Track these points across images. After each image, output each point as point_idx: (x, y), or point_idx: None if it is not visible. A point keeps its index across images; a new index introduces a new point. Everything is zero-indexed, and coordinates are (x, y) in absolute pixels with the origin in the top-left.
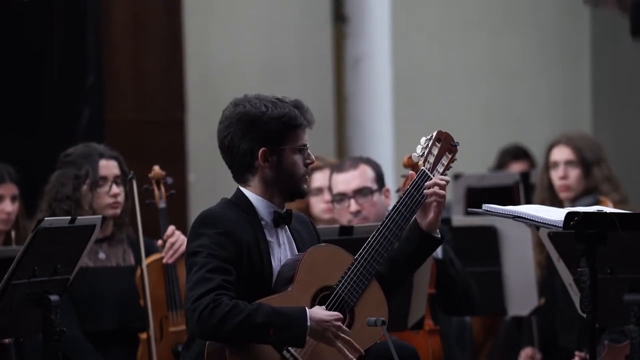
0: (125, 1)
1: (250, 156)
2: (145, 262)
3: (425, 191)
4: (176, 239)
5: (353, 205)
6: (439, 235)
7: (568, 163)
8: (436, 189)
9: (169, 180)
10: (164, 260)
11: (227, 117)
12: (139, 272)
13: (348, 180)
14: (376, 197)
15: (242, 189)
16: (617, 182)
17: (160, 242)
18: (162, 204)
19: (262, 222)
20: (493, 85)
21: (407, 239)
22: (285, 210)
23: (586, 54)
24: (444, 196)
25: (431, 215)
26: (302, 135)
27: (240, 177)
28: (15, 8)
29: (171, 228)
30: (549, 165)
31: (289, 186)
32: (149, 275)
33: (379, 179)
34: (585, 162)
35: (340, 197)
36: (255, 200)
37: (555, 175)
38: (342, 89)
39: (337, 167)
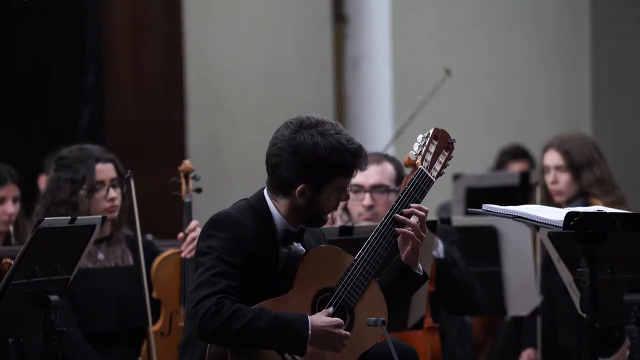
0: (125, 1)
1: (288, 185)
2: (143, 259)
3: (397, 229)
4: (197, 234)
5: (367, 199)
6: (421, 272)
7: (557, 168)
8: (409, 229)
9: (198, 176)
10: (183, 255)
11: (283, 140)
12: (154, 266)
13: (369, 174)
14: (392, 196)
15: (267, 197)
16: (611, 184)
17: (181, 235)
18: (187, 198)
19: (278, 233)
20: (493, 85)
21: (388, 271)
22: (299, 228)
23: (586, 54)
24: (422, 227)
25: (407, 247)
26: (348, 181)
27: (272, 190)
28: (15, 8)
29: (194, 223)
30: (543, 169)
31: (312, 216)
32: (165, 268)
33: (399, 179)
34: (574, 166)
35: (357, 189)
36: (275, 214)
37: (548, 179)
38: (342, 89)
39: None
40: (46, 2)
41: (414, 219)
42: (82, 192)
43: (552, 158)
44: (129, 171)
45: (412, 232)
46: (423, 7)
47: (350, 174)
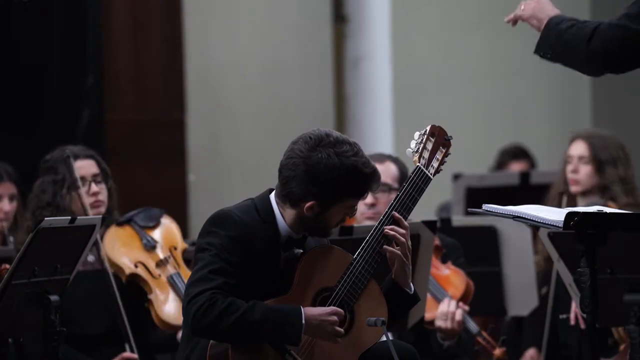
0: (125, 1)
1: (298, 199)
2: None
3: (386, 231)
4: None
5: (369, 197)
6: (411, 291)
7: (581, 158)
8: (395, 234)
9: None
10: None
11: (299, 156)
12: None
13: None
14: (394, 195)
15: (273, 201)
16: (632, 185)
17: None
18: None
19: (281, 237)
20: (493, 85)
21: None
22: (301, 235)
23: None
24: (404, 244)
25: (395, 265)
26: (358, 201)
27: (280, 198)
28: (15, 8)
29: None
30: (566, 159)
31: (317, 229)
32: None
33: (402, 179)
34: (598, 160)
35: None
36: (280, 219)
37: (569, 168)
38: (342, 89)
39: None
40: (46, 2)
41: (400, 236)
42: (63, 190)
43: (577, 148)
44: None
45: (398, 252)
46: (423, 7)
47: (361, 196)
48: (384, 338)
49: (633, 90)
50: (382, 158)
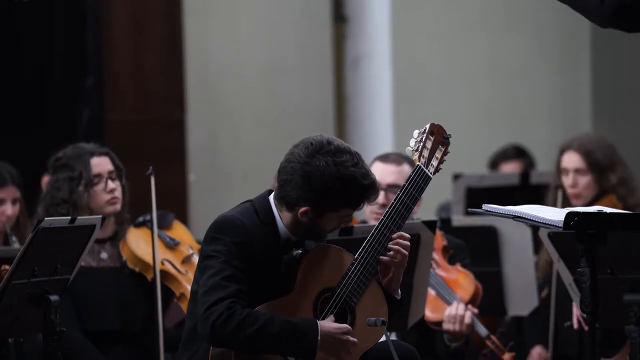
0: (125, 1)
1: (293, 203)
2: (158, 254)
3: (390, 245)
4: None
5: (381, 197)
6: (399, 297)
7: (577, 171)
8: (399, 247)
9: None
10: None
11: (298, 162)
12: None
13: (386, 172)
14: None
15: (272, 203)
16: (633, 185)
17: None
18: None
19: (281, 239)
20: (493, 86)
21: None
22: (299, 237)
23: (586, 53)
24: (405, 256)
25: (389, 274)
26: (353, 211)
27: (278, 200)
28: (15, 8)
29: None
30: (560, 170)
31: (312, 234)
32: None
33: None
34: (597, 167)
35: None
36: (279, 221)
37: (566, 181)
38: (342, 89)
39: (382, 157)
40: (46, 2)
41: (400, 247)
42: (80, 188)
43: (572, 160)
44: (151, 168)
45: (397, 259)
46: (423, 7)
47: (357, 206)
48: (384, 338)
49: (633, 90)
50: (400, 160)
